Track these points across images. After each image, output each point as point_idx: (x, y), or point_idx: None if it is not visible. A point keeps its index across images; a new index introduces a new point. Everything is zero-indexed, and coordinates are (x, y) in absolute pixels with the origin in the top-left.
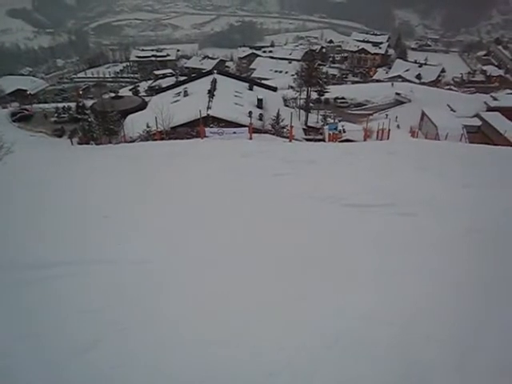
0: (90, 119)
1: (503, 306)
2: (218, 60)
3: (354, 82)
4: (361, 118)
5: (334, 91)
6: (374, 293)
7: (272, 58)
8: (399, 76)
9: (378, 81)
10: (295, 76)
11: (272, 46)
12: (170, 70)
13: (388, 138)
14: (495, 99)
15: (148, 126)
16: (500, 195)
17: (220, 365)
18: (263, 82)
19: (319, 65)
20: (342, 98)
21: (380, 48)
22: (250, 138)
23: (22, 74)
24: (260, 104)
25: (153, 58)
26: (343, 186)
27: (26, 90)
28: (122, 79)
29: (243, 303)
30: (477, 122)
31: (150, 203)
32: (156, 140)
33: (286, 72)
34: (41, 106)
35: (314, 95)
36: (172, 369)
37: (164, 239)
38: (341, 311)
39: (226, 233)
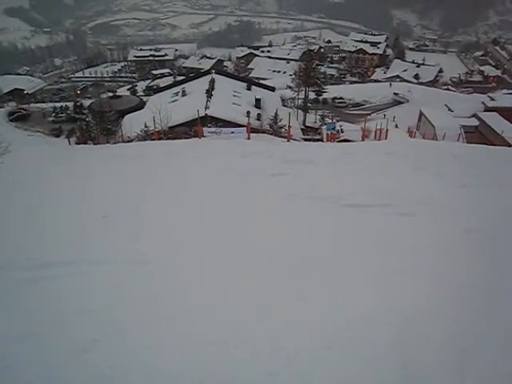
0: (87, 119)
1: (502, 306)
2: (216, 60)
3: (352, 82)
4: (359, 118)
5: (332, 91)
6: (373, 293)
7: (270, 57)
8: (397, 76)
9: (376, 81)
10: (293, 76)
11: (270, 45)
12: (167, 70)
13: (386, 138)
14: (493, 99)
15: (146, 126)
16: (498, 195)
17: (219, 365)
18: (261, 81)
19: (317, 65)
20: (340, 98)
21: (378, 48)
22: (248, 138)
23: (20, 74)
24: (258, 104)
25: (151, 58)
26: (341, 186)
27: (23, 90)
28: (119, 79)
29: (242, 303)
30: (474, 122)
31: (148, 203)
32: (154, 140)
33: (284, 72)
34: (38, 105)
35: (312, 95)
36: (171, 369)
37: (163, 239)
38: (340, 311)
39: (224, 233)
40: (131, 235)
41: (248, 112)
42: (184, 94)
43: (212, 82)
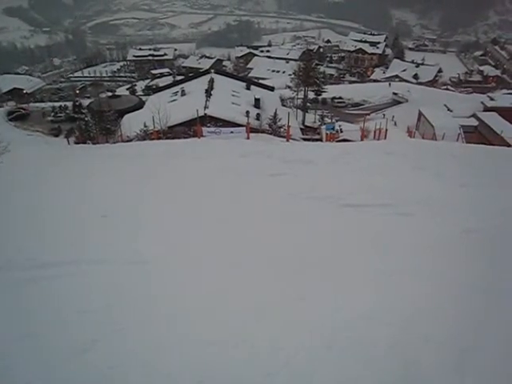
0: (86, 118)
1: (501, 306)
2: (215, 59)
3: (351, 82)
4: (358, 117)
5: (331, 91)
6: (372, 293)
7: (269, 57)
8: (396, 76)
9: (375, 81)
10: (292, 76)
11: (269, 45)
12: (167, 70)
13: (385, 138)
14: (492, 99)
15: (145, 126)
16: (497, 195)
17: (218, 365)
18: (261, 81)
19: (316, 64)
20: (340, 98)
21: (377, 48)
22: (248, 138)
23: (19, 73)
24: (257, 104)
25: (150, 58)
26: (340, 185)
27: (22, 89)
28: (119, 78)
29: (241, 303)
30: (474, 122)
31: (147, 203)
32: (153, 139)
33: (284, 72)
34: (37, 105)
35: (312, 95)
36: (170, 369)
37: (162, 239)
38: (339, 311)
39: (223, 233)
40: (130, 235)
41: (247, 112)
42: (183, 93)
43: (211, 81)
